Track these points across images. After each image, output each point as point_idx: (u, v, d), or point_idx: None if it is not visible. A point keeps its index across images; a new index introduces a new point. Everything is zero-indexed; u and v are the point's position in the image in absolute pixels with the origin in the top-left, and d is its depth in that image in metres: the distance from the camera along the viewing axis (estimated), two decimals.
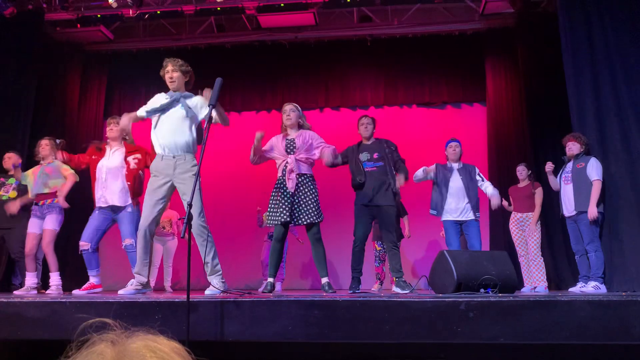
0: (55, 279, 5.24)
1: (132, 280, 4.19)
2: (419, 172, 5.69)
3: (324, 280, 4.67)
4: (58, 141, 5.55)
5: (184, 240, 4.24)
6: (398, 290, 4.93)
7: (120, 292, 4.10)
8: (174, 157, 3.98)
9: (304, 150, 4.70)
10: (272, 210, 4.67)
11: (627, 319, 2.72)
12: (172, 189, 4.02)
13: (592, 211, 5.02)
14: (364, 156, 5.14)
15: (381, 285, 7.01)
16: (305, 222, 4.58)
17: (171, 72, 4.10)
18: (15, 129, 7.26)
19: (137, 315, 2.89)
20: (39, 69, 7.77)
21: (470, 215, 5.51)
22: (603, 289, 4.90)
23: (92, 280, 4.91)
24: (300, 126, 4.85)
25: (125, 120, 4.19)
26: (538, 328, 2.75)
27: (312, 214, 4.58)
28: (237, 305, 2.93)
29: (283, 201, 4.62)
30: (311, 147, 4.74)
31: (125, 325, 0.78)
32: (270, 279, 4.68)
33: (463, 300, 2.82)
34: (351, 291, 4.91)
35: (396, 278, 5.01)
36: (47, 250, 5.23)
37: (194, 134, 4.07)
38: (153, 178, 4.03)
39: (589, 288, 4.90)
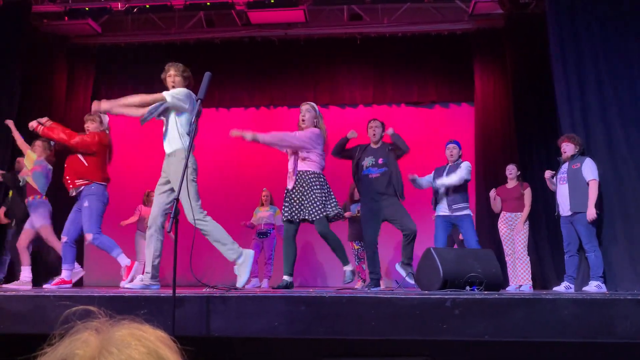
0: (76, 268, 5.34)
1: (141, 275, 4.23)
2: (423, 181, 5.76)
3: (346, 268, 4.76)
4: (53, 143, 5.66)
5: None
6: (401, 270, 5.07)
7: (127, 285, 4.14)
8: (168, 155, 4.14)
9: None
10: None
11: (610, 318, 2.75)
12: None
13: (591, 212, 5.04)
14: (369, 161, 5.16)
15: (364, 282, 7.02)
16: (301, 219, 4.62)
17: (173, 76, 4.24)
18: (0, 124, 7.15)
19: (123, 310, 2.86)
20: (25, 62, 7.67)
21: (462, 211, 5.62)
22: (604, 288, 4.94)
23: (63, 274, 4.89)
24: (315, 127, 4.80)
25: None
26: (523, 326, 2.77)
27: (308, 211, 4.57)
28: (224, 301, 2.92)
29: (287, 199, 4.70)
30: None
31: (110, 313, 0.77)
32: (286, 277, 4.65)
33: (449, 297, 2.83)
34: None
35: (405, 262, 5.12)
36: (52, 243, 5.44)
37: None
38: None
39: (592, 287, 4.92)
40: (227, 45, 9.01)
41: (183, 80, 4.25)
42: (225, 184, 8.83)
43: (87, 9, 8.08)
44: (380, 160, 5.13)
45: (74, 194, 4.89)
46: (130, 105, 4.16)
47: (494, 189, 6.74)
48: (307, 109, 4.81)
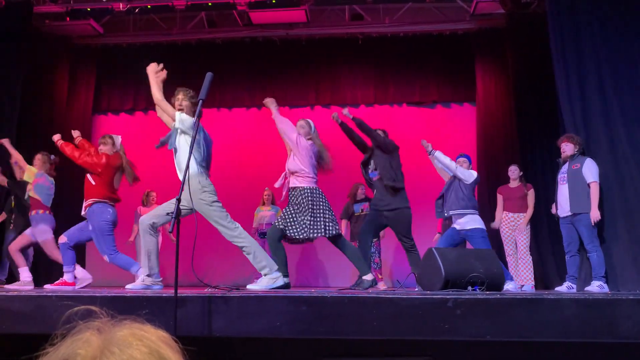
0: (79, 271, 5.38)
1: (142, 275, 4.24)
2: (447, 161, 5.58)
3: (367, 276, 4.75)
4: (52, 157, 5.81)
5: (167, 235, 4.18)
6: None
7: (127, 286, 4.15)
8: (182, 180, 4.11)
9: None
10: None
11: (612, 318, 2.75)
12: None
13: (595, 214, 5.02)
14: (372, 165, 5.41)
15: None
16: (295, 237, 4.63)
17: (181, 100, 4.22)
18: (2, 123, 7.17)
19: (125, 310, 2.87)
20: (27, 62, 7.68)
21: (471, 225, 5.42)
22: (606, 288, 4.93)
23: (65, 276, 4.92)
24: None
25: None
26: (525, 326, 2.77)
27: (290, 228, 4.60)
28: (225, 301, 2.93)
29: (285, 210, 4.75)
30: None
31: (112, 313, 0.77)
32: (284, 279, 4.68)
33: (451, 297, 2.83)
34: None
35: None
36: (55, 256, 5.43)
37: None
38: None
39: (594, 287, 4.91)
40: (229, 45, 9.01)
41: (191, 105, 4.18)
42: (226, 183, 8.80)
43: (88, 9, 8.09)
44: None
45: (83, 213, 4.99)
46: (154, 89, 4.20)
47: (492, 224, 6.59)
48: (301, 125, 4.84)
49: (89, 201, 4.86)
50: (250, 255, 4.06)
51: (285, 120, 4.81)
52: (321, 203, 4.60)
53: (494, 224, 6.51)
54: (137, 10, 8.13)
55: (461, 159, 5.70)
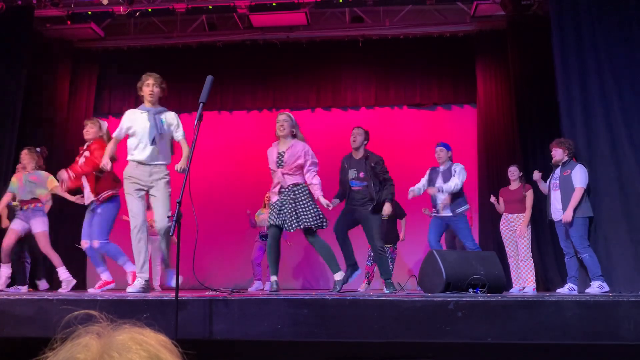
0: (63, 273, 5.44)
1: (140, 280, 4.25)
2: (412, 191, 5.78)
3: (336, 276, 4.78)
4: (39, 149, 5.83)
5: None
6: (387, 291, 5.12)
7: (128, 289, 4.17)
8: (148, 165, 4.22)
9: (293, 164, 4.69)
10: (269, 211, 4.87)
11: (614, 320, 2.75)
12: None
13: (567, 215, 5.16)
14: (352, 173, 5.28)
15: (369, 284, 6.99)
16: (293, 229, 4.64)
17: (152, 86, 4.25)
18: (4, 127, 7.18)
19: (125, 313, 2.87)
20: (28, 66, 7.69)
21: (448, 212, 5.71)
22: (606, 287, 4.95)
23: (102, 277, 4.92)
24: (293, 136, 4.84)
25: (106, 159, 4.31)
26: (526, 328, 2.77)
27: (302, 220, 4.62)
28: (226, 304, 2.93)
29: (274, 206, 4.75)
30: (299, 164, 4.73)
31: (111, 317, 0.77)
32: (274, 277, 4.73)
33: (452, 299, 2.83)
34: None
35: (385, 280, 5.25)
36: (47, 251, 5.49)
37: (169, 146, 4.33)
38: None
39: (594, 288, 4.93)
40: (229, 48, 9.02)
41: (161, 91, 4.28)
42: (227, 186, 8.84)
43: (89, 13, 8.10)
44: (361, 174, 5.26)
45: (89, 202, 4.89)
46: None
47: (492, 195, 6.74)
48: (284, 119, 4.85)
49: (107, 193, 4.80)
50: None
51: (318, 180, 4.77)
52: (311, 198, 4.73)
53: (499, 207, 6.67)
54: (137, 13, 8.14)
55: (438, 148, 5.91)
